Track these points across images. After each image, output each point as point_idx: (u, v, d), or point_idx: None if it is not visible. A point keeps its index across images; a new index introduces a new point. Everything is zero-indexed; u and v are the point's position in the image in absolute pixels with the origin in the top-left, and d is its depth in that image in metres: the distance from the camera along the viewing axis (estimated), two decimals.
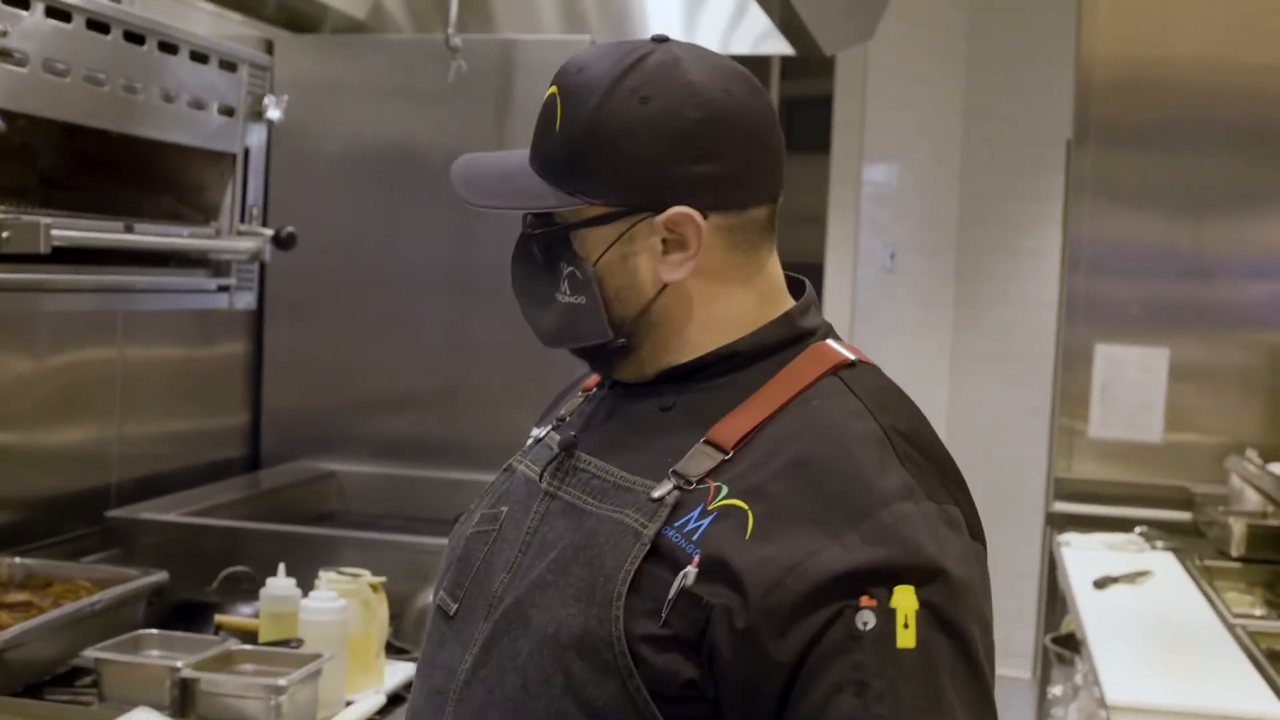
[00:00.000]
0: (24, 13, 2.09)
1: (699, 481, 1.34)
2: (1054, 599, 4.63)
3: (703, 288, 1.42)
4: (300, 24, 3.69)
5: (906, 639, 1.25)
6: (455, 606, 1.48)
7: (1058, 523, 4.49)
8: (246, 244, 2.65)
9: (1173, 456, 4.56)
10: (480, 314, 3.57)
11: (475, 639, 1.42)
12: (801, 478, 1.31)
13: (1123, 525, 4.31)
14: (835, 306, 5.93)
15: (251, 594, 2.68)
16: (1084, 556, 3.91)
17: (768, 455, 1.34)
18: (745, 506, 1.31)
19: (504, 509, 1.50)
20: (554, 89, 1.43)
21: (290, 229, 2.71)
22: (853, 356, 1.44)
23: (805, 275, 1.54)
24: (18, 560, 2.61)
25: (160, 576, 2.57)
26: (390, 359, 3.63)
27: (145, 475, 3.25)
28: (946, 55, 6.49)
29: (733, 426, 1.38)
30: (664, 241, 1.40)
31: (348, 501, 3.62)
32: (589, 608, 1.32)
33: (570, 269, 1.42)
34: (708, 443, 1.37)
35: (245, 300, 2.75)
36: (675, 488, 1.35)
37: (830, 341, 1.46)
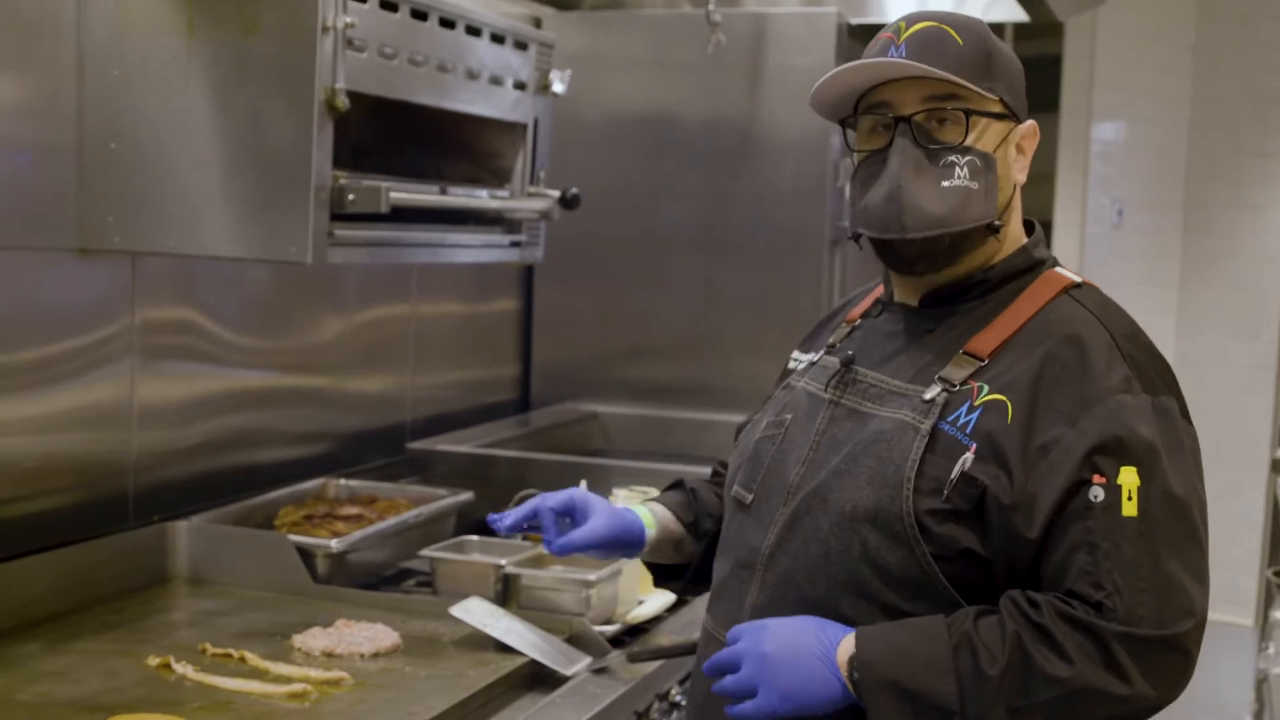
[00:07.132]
0: (364, 5, 2.41)
1: (962, 384, 1.68)
2: (1277, 544, 4.73)
3: (1019, 195, 1.79)
4: (563, 1, 4.01)
5: (1130, 509, 1.58)
6: (750, 497, 1.82)
7: None
8: (538, 204, 2.94)
9: None
10: (729, 269, 3.88)
11: (775, 520, 1.76)
12: (1047, 375, 1.65)
13: None
14: (1063, 262, 6.00)
15: None
16: None
17: (1018, 359, 1.67)
18: (1005, 399, 1.65)
19: (788, 416, 1.84)
20: (929, 23, 1.72)
21: (575, 190, 3.00)
22: (1078, 279, 1.78)
23: None
24: (342, 481, 2.99)
25: (467, 496, 2.92)
26: (647, 311, 3.96)
27: (433, 415, 3.63)
28: (1175, 14, 6.52)
29: (986, 339, 1.71)
30: (1017, 147, 1.76)
31: (610, 439, 3.96)
32: (881, 489, 1.66)
33: (970, 157, 1.72)
34: (966, 353, 1.70)
35: (535, 255, 3.05)
36: (942, 390, 1.69)
37: (1058, 268, 1.80)
